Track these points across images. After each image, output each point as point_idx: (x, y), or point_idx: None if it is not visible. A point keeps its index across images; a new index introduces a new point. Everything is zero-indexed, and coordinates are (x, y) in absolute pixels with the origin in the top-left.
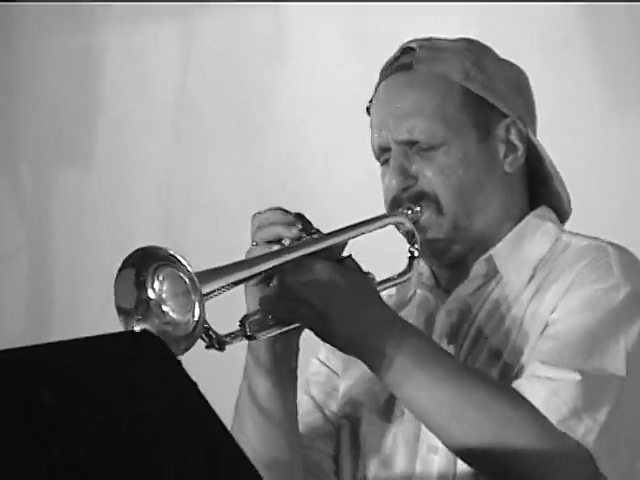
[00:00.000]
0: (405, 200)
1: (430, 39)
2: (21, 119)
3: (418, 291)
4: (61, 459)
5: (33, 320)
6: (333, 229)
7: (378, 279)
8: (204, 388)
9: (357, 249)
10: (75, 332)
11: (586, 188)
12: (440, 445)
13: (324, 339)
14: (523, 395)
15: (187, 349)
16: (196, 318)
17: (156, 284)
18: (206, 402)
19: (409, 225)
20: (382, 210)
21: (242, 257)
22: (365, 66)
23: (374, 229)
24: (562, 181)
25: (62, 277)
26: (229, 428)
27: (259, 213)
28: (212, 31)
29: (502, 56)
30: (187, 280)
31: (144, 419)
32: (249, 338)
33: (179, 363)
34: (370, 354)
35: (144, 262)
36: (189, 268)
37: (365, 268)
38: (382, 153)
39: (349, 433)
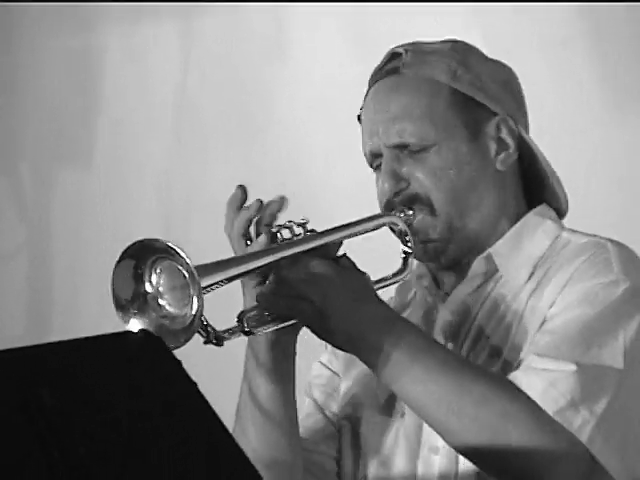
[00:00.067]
0: (398, 204)
1: (416, 43)
2: (21, 119)
3: (418, 293)
4: (61, 459)
5: (33, 320)
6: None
7: (373, 279)
8: (204, 388)
9: (353, 249)
10: (75, 332)
11: (586, 188)
12: (441, 445)
13: (321, 336)
14: (520, 387)
15: (185, 342)
16: (194, 312)
17: (154, 277)
18: (206, 402)
19: (402, 225)
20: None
21: None
22: (365, 66)
23: (368, 229)
24: (558, 179)
25: (62, 277)
26: (229, 428)
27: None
28: (212, 31)
29: (502, 56)
30: (186, 273)
31: (144, 419)
32: (247, 334)
33: (179, 363)
34: (368, 351)
35: (143, 254)
36: (188, 260)
37: (361, 268)
38: (374, 159)
39: (350, 433)
